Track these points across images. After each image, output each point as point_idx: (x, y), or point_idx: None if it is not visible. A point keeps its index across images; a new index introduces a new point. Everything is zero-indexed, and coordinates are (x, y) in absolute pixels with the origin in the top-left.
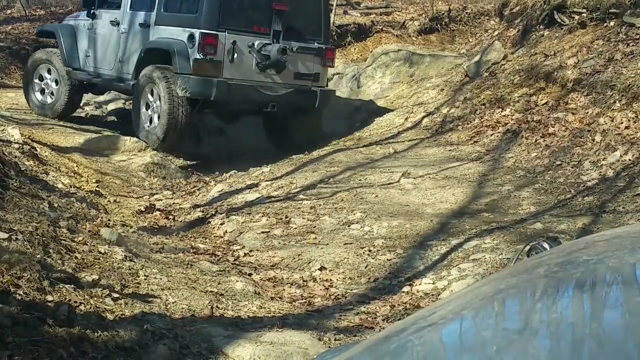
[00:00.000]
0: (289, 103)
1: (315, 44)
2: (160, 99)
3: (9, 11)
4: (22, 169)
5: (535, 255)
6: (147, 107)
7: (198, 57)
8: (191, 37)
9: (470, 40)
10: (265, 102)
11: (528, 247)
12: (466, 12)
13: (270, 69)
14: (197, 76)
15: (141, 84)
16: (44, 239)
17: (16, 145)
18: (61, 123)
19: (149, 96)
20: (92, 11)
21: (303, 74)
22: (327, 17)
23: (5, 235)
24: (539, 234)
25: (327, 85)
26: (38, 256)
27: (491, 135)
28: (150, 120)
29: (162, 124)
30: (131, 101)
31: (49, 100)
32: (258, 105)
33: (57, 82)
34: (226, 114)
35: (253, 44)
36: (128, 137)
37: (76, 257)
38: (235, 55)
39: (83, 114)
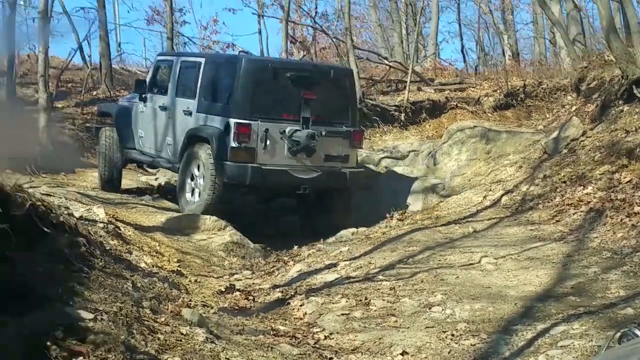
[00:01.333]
0: (319, 184)
1: (344, 127)
2: (203, 177)
3: (94, 92)
4: (107, 248)
5: (627, 342)
6: (192, 184)
7: (234, 145)
8: (227, 125)
9: (547, 115)
10: (297, 184)
11: (619, 334)
12: (542, 88)
13: (301, 153)
14: (233, 162)
15: (186, 162)
16: (127, 319)
17: (101, 225)
18: (143, 202)
19: (193, 172)
20: (143, 95)
21: (332, 156)
22: (354, 101)
23: (91, 316)
24: (630, 320)
25: (357, 166)
26: (122, 337)
27: (574, 214)
28: (192, 193)
29: (202, 199)
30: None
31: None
32: (290, 187)
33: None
34: (261, 194)
35: (284, 131)
36: (208, 216)
37: (159, 338)
38: (268, 141)
39: (156, 186)
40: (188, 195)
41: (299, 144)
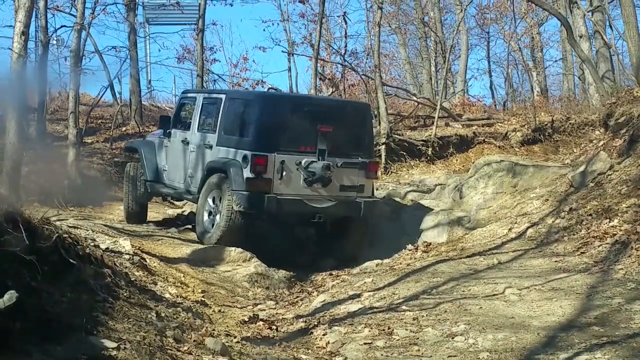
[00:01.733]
0: (334, 213)
1: (359, 158)
2: (220, 207)
3: (124, 128)
4: (132, 279)
5: None
6: (210, 213)
7: (250, 175)
8: (245, 157)
9: (575, 150)
10: (312, 213)
11: None
12: (570, 123)
13: (316, 184)
14: (249, 192)
15: (206, 192)
16: (150, 348)
17: (127, 256)
18: (170, 234)
19: (211, 202)
20: (167, 130)
21: (348, 187)
22: (370, 134)
23: (114, 345)
24: None
25: (373, 196)
26: None
27: (599, 246)
28: (212, 224)
29: (218, 228)
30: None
31: (124, 206)
32: (305, 216)
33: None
34: (277, 223)
35: (300, 162)
36: (233, 248)
37: None
38: (284, 172)
39: (181, 217)
40: (206, 224)
41: (314, 174)
